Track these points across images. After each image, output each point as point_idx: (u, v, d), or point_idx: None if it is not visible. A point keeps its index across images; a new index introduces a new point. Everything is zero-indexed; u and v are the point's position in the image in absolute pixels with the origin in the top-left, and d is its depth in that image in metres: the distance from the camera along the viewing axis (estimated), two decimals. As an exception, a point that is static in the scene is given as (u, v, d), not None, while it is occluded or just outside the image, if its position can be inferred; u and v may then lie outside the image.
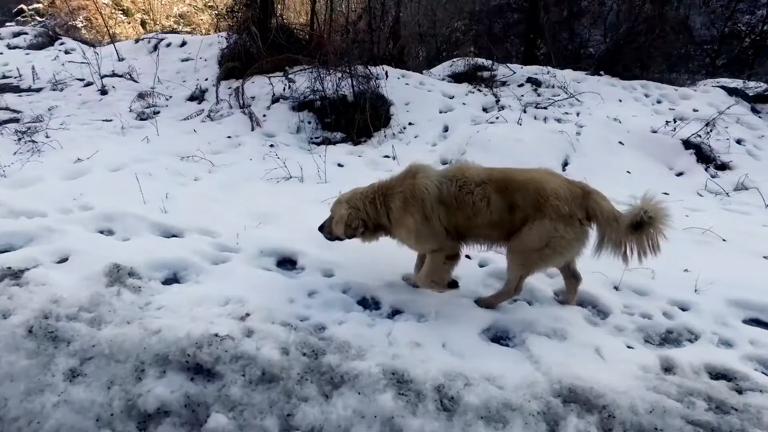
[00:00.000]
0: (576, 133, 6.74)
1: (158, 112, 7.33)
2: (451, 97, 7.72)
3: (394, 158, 6.10)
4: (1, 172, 4.80)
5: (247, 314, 2.96)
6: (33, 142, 5.65)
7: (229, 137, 6.52)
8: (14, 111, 7.22)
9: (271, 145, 6.34)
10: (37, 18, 19.03)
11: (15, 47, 11.12)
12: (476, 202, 2.88)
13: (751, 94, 8.58)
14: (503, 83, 8.35)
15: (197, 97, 7.97)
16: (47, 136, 5.93)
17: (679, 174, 6.56)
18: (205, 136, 6.43)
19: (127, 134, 6.48)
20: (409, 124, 7.03)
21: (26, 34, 11.57)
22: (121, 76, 8.78)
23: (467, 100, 7.68)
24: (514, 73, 8.42)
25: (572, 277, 3.31)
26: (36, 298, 2.83)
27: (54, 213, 4.23)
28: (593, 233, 2.95)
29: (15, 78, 9.24)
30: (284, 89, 7.46)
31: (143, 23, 30.37)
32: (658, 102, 8.37)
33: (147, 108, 7.50)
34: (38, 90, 8.49)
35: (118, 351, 2.52)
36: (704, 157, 6.64)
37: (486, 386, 2.60)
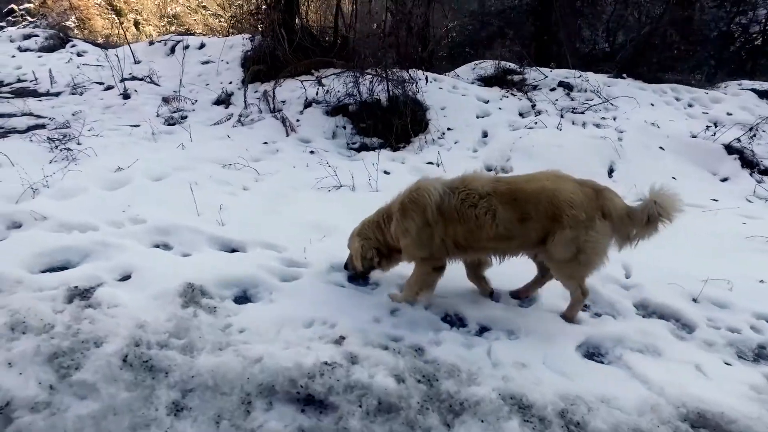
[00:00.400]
0: (617, 139, 6.62)
1: (186, 117, 7.11)
2: (486, 102, 7.57)
3: (438, 165, 5.94)
4: (44, 183, 4.57)
5: (342, 337, 2.79)
6: (68, 149, 5.42)
7: (265, 143, 6.32)
8: (38, 116, 6.97)
9: (312, 152, 6.16)
10: (29, 18, 18.73)
11: (26, 50, 10.82)
12: (480, 216, 2.81)
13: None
14: (534, 87, 8.21)
15: (223, 101, 7.76)
16: (79, 143, 5.70)
17: (724, 179, 6.46)
18: (240, 142, 6.23)
19: (159, 140, 6.26)
20: (448, 129, 6.87)
21: (37, 36, 11.27)
22: (141, 80, 8.54)
23: (502, 105, 7.53)
24: (546, 77, 8.28)
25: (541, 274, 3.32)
26: (121, 323, 2.63)
27: (105, 226, 4.03)
28: None
29: (31, 81, 8.97)
30: (317, 93, 7.27)
31: (137, 24, 30.01)
32: (690, 106, 8.28)
33: (174, 113, 7.29)
34: (57, 94, 8.23)
35: (222, 382, 2.34)
36: (748, 162, 6.55)
37: (608, 410, 2.51)
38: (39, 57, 10.43)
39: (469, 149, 6.59)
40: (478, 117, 7.21)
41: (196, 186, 4.78)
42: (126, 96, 7.88)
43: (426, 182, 3.01)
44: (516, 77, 8.43)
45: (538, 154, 6.27)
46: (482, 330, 3.15)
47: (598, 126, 7.09)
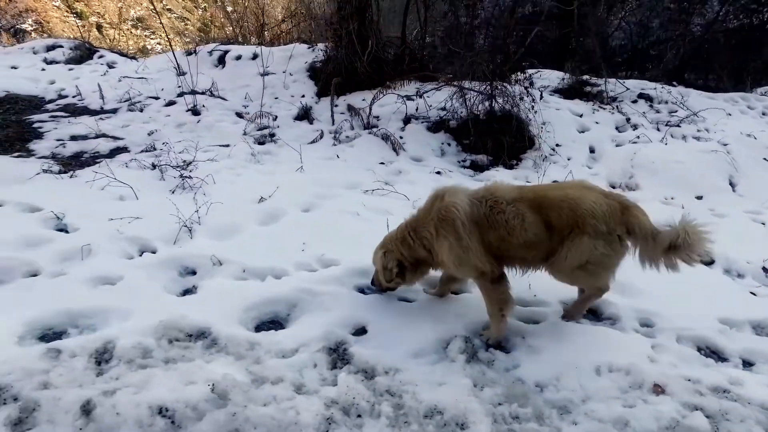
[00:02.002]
0: (726, 152, 6.53)
1: (274, 135, 6.59)
2: (580, 116, 7.36)
3: (555, 181, 5.67)
4: (195, 219, 4.05)
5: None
6: (188, 177, 4.87)
7: (382, 164, 5.90)
8: (114, 137, 6.33)
9: (438, 172, 5.78)
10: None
11: (52, 62, 9.97)
12: (509, 221, 2.78)
13: None
14: (613, 99, 8.08)
15: (304, 116, 7.28)
16: (183, 168, 5.16)
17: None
18: (355, 163, 5.80)
19: (265, 162, 5.75)
20: (557, 145, 6.62)
21: (61, 46, 10.41)
22: (201, 93, 7.95)
23: (596, 119, 7.35)
24: (628, 89, 8.16)
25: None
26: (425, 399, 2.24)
27: (294, 270, 3.59)
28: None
29: (74, 97, 8.23)
30: (416, 108, 6.89)
31: (98, 27, 28.74)
32: (763, 114, 8.33)
33: (258, 130, 6.76)
34: (113, 111, 7.54)
35: None
36: None
37: None
38: (70, 70, 9.63)
39: (583, 166, 6.36)
40: (579, 132, 6.99)
41: (357, 217, 4.37)
42: (195, 112, 7.28)
43: (451, 196, 2.90)
44: (593, 89, 8.28)
45: (659, 170, 6.10)
46: (746, 363, 2.99)
47: (698, 139, 6.98)
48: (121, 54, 11.22)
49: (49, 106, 7.80)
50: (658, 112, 7.80)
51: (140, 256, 3.68)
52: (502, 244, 2.83)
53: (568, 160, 6.42)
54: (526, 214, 2.78)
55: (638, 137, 6.86)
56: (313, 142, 6.48)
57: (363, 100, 7.48)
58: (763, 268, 4.18)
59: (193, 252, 3.66)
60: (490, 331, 2.98)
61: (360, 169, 5.58)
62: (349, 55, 7.68)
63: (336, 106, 7.45)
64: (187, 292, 3.36)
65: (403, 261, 3.02)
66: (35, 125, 6.77)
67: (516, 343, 2.99)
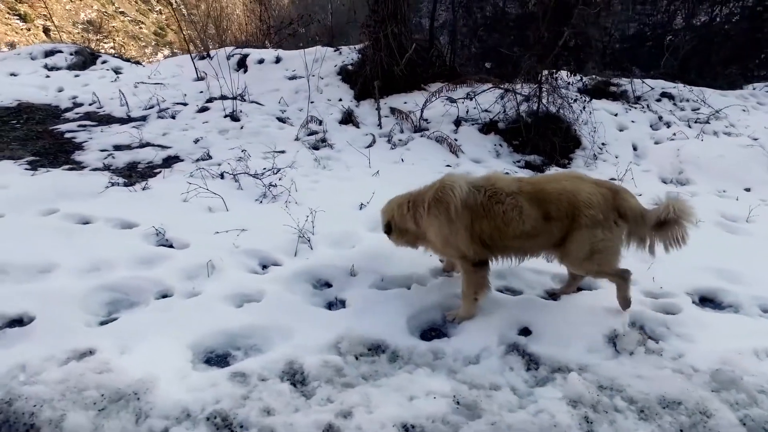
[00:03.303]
0: (759, 146, 6.86)
1: (325, 141, 6.45)
2: (615, 115, 7.57)
3: (620, 180, 5.80)
4: (309, 229, 3.90)
5: None
6: (272, 185, 4.69)
7: (448, 166, 5.87)
8: (161, 146, 6.02)
9: (506, 173, 5.80)
10: None
11: (54, 68, 9.41)
12: (507, 212, 2.87)
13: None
14: (638, 98, 8.35)
15: (347, 120, 7.16)
16: (260, 177, 4.97)
17: None
18: (424, 166, 5.75)
19: (332, 167, 5.62)
20: (603, 144, 6.78)
21: (60, 52, 9.84)
22: (234, 98, 7.69)
23: (631, 118, 7.57)
24: (652, 89, 8.45)
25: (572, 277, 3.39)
26: None
27: (431, 275, 3.54)
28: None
29: (92, 105, 7.81)
30: (467, 111, 6.90)
31: (46, 30, 27.46)
32: (775, 109, 8.79)
33: (309, 135, 6.60)
34: (142, 118, 7.19)
35: None
36: None
37: None
38: (76, 76, 9.13)
39: (632, 163, 6.53)
40: (619, 131, 7.18)
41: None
42: (235, 118, 7.04)
43: (451, 179, 3.02)
44: (618, 89, 8.52)
45: (704, 165, 6.34)
46: None
47: (728, 134, 7.30)
48: (123, 59, 10.71)
49: (69, 115, 7.36)
50: (683, 110, 8.11)
51: (264, 269, 3.53)
52: (496, 233, 2.91)
53: (616, 158, 6.59)
54: (524, 207, 2.86)
55: (674, 134, 7.11)
56: (369, 146, 6.37)
57: (405, 102, 7.45)
58: None
59: (322, 263, 3.53)
60: (457, 312, 3.08)
61: (429, 171, 5.52)
62: (387, 58, 7.61)
63: (377, 109, 7.37)
64: (331, 305, 3.24)
65: (392, 224, 3.20)
66: (67, 135, 6.37)
67: (663, 333, 3.02)
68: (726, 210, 5.27)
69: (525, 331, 3.00)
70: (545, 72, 6.73)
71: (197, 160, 5.66)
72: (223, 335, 2.82)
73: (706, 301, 3.49)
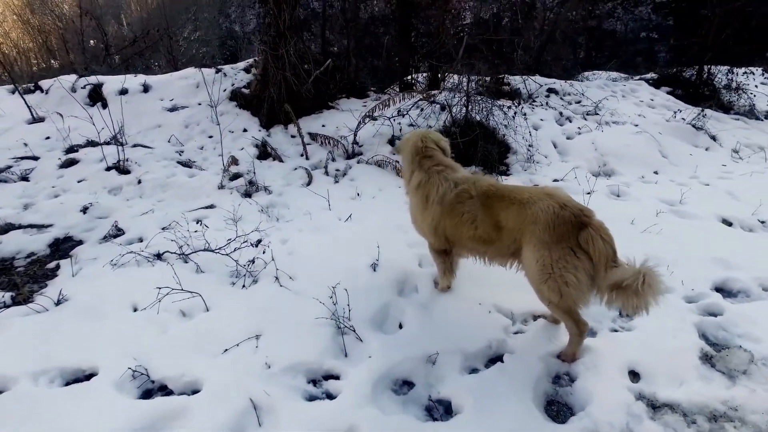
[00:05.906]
0: (644, 132, 7.67)
1: (253, 183, 5.38)
2: (524, 115, 7.81)
3: (561, 180, 5.93)
4: (344, 314, 3.01)
5: None
6: (250, 262, 3.59)
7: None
8: (35, 227, 4.34)
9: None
10: None
11: None
12: (465, 214, 2.91)
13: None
14: (530, 96, 8.80)
15: (265, 154, 6.12)
16: (221, 252, 3.84)
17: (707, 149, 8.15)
18: (383, 199, 5.10)
19: (288, 218, 4.66)
20: (529, 146, 6.89)
21: None
22: (108, 143, 6.02)
23: (539, 116, 7.87)
24: (541, 86, 8.96)
25: None
26: None
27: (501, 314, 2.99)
28: None
29: None
30: (401, 129, 6.37)
31: None
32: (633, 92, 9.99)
33: (232, 180, 5.43)
34: (-21, 186, 5.17)
35: None
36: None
37: None
38: None
39: (561, 161, 6.76)
40: (535, 129, 7.41)
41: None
42: (123, 170, 5.49)
43: (444, 171, 3.12)
44: (510, 88, 8.87)
45: (620, 155, 6.86)
46: None
47: (616, 123, 8.05)
48: None
49: None
50: (570, 104, 8.76)
51: (316, 386, 2.61)
52: (454, 233, 3.00)
53: (546, 157, 6.76)
54: (479, 212, 2.86)
55: (579, 128, 7.60)
56: (308, 183, 5.48)
57: (323, 126, 6.67)
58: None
59: (387, 357, 2.73)
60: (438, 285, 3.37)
61: (392, 205, 4.93)
62: (293, 77, 6.70)
63: (293, 136, 6.46)
64: (431, 411, 2.49)
65: (399, 152, 3.46)
66: None
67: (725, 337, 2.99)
68: (662, 195, 5.66)
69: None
70: (464, 79, 6.60)
71: (104, 238, 4.20)
72: None
73: (721, 291, 3.51)
